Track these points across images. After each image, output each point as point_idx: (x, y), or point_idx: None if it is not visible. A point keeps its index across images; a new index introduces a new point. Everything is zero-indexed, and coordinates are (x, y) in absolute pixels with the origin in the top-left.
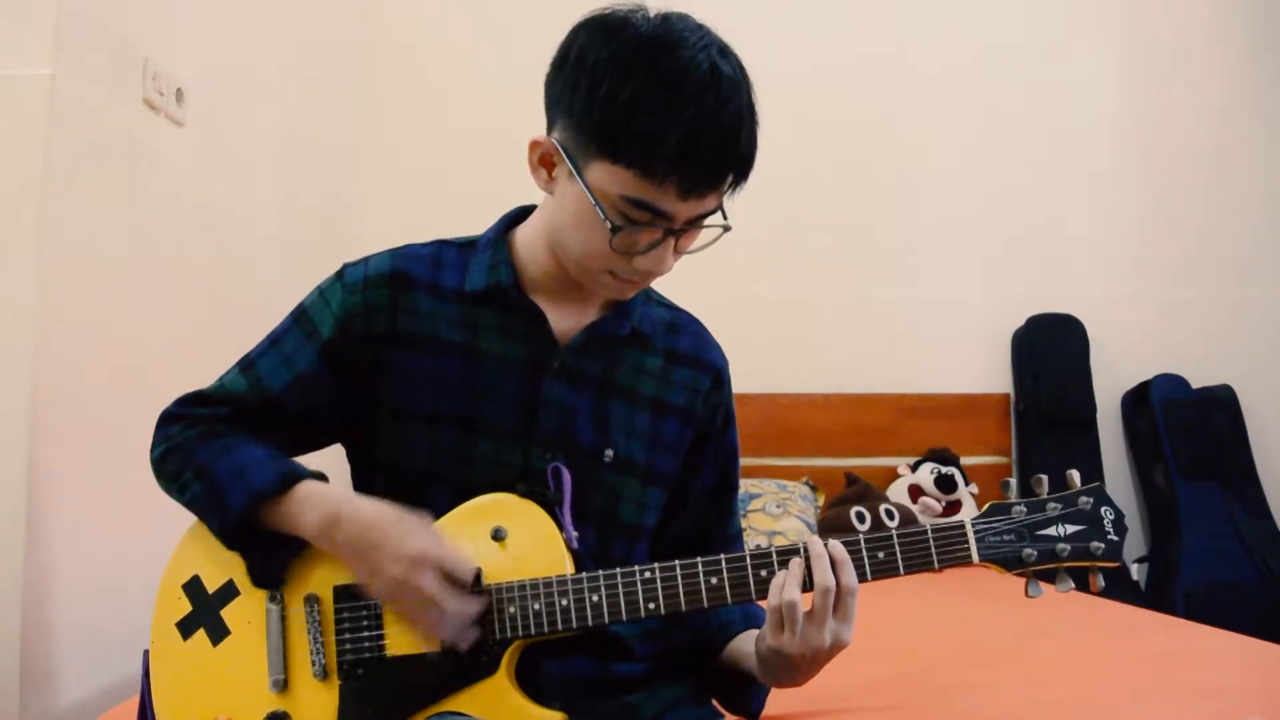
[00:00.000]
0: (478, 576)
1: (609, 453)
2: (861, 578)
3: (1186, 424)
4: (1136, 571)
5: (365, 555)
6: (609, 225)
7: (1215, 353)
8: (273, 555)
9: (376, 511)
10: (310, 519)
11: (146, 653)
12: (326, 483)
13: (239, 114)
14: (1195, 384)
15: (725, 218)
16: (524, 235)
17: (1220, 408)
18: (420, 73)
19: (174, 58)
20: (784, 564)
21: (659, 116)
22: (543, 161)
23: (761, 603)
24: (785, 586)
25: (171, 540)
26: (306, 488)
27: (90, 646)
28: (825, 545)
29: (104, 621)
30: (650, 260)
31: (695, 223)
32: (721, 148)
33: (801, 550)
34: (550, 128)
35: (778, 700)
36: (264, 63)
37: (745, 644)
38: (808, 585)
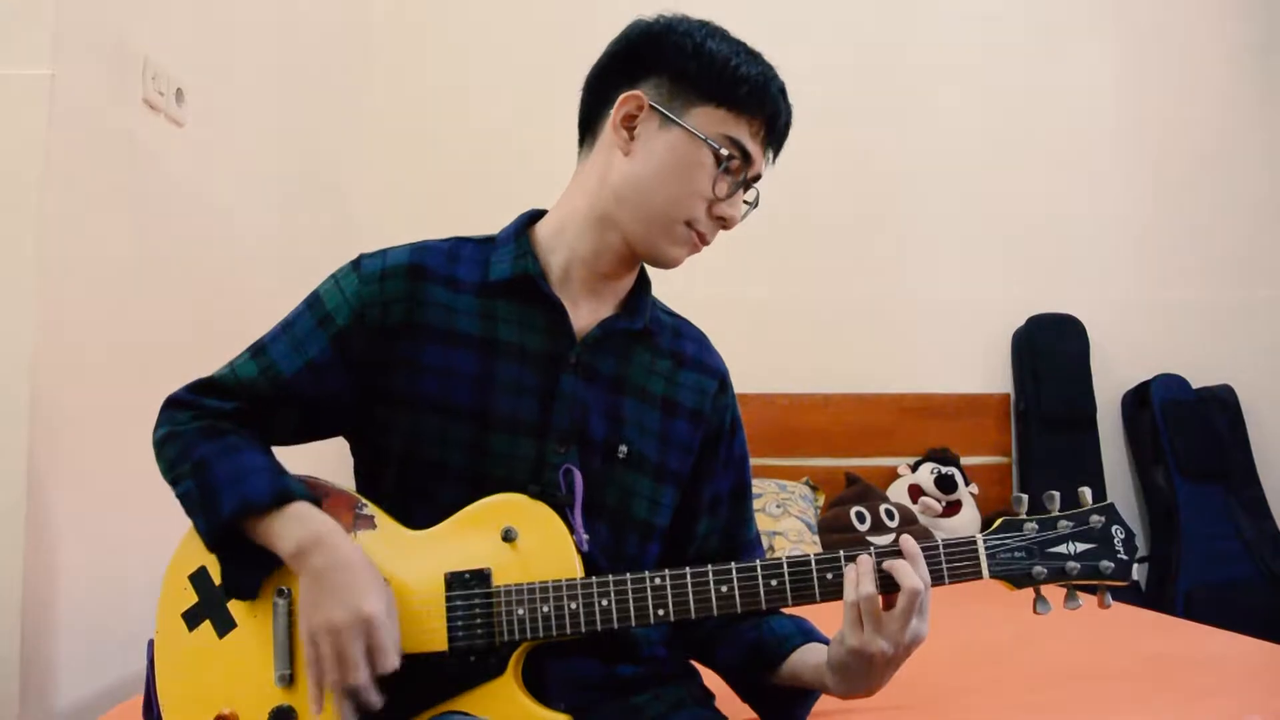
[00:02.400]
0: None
1: (623, 449)
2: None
3: (1187, 424)
4: (1137, 571)
5: (320, 589)
6: (723, 152)
7: (1216, 353)
8: (249, 568)
9: (352, 553)
10: (290, 538)
11: (151, 642)
12: (319, 508)
13: (239, 114)
14: (1195, 384)
15: (758, 194)
16: (545, 230)
17: (1220, 408)
18: (420, 72)
19: (173, 57)
20: (795, 573)
21: (759, 69)
22: (624, 121)
23: (819, 605)
24: (860, 582)
25: (171, 539)
26: (296, 508)
27: (90, 646)
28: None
29: (104, 621)
30: (729, 205)
31: (754, 181)
32: (790, 112)
33: (871, 553)
34: (630, 89)
35: None
36: (264, 63)
37: (808, 656)
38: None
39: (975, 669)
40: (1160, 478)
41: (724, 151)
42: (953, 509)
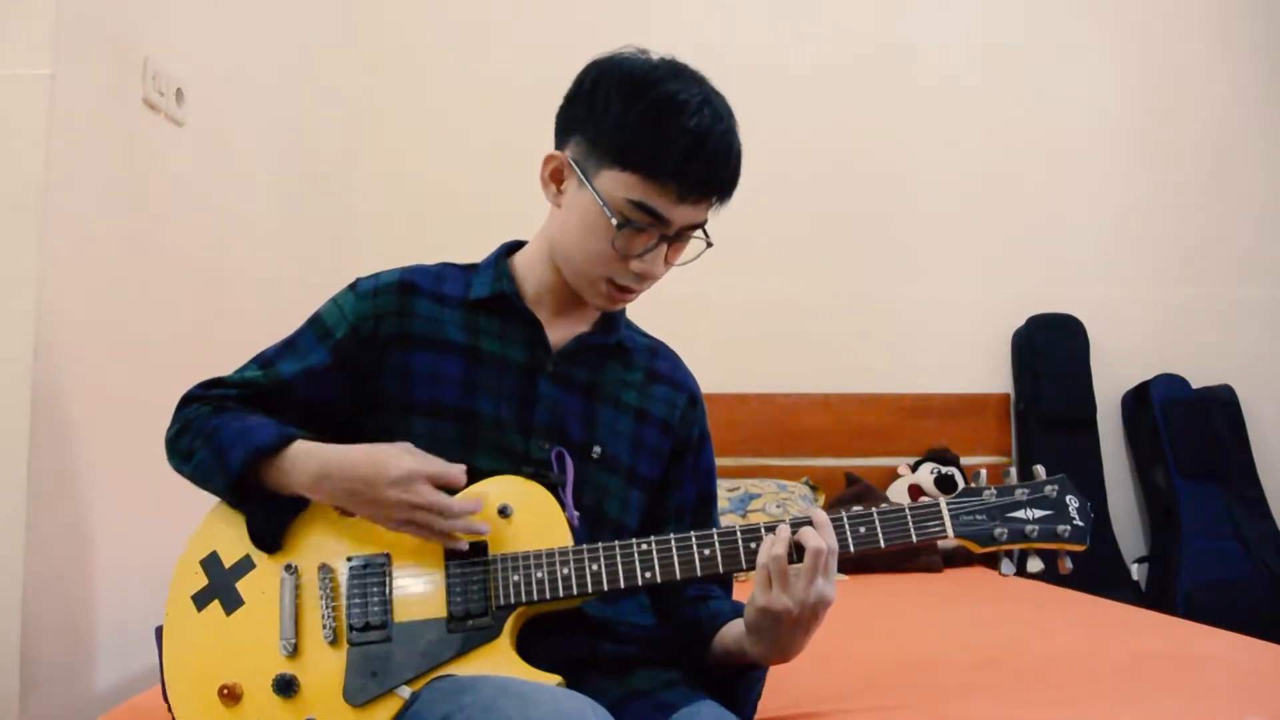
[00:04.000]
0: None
1: (597, 449)
2: (845, 550)
3: (1187, 424)
4: (1136, 571)
5: (359, 494)
6: (615, 221)
7: (1215, 353)
8: (273, 515)
9: (360, 453)
10: (304, 473)
11: (159, 629)
12: (323, 441)
13: (239, 114)
14: (1195, 384)
15: (707, 237)
16: (523, 258)
17: (1220, 408)
18: (420, 73)
19: (174, 57)
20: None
21: (666, 129)
22: (553, 176)
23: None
24: (773, 545)
25: (171, 539)
26: (301, 445)
27: (91, 646)
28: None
29: (105, 621)
30: (645, 263)
31: (685, 233)
32: (715, 161)
33: (788, 523)
34: (562, 146)
35: (776, 699)
36: (264, 63)
37: (735, 627)
38: (793, 554)
39: (975, 669)
40: (1160, 477)
41: (615, 220)
42: None
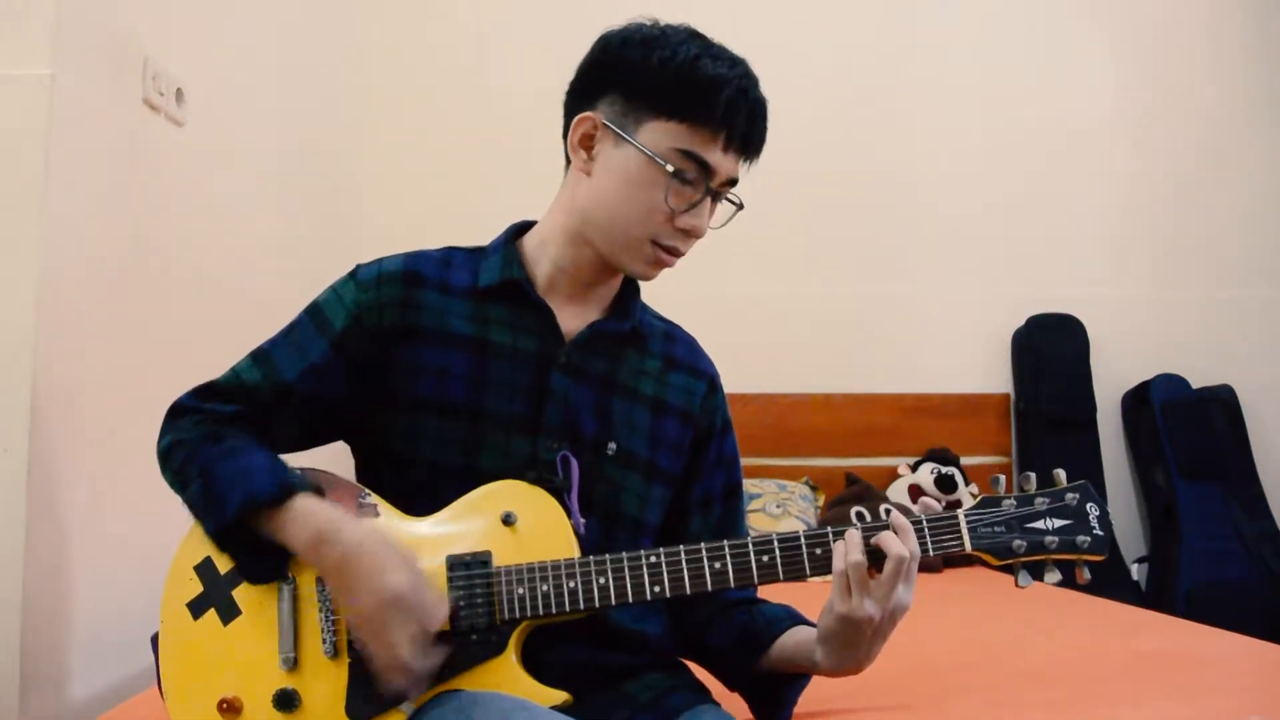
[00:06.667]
0: (454, 614)
1: (611, 446)
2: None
3: (1186, 424)
4: (1136, 571)
5: (344, 580)
6: (670, 169)
7: (1215, 353)
8: (264, 559)
9: (361, 536)
10: (300, 535)
11: (155, 636)
12: (322, 497)
13: (239, 114)
14: (1195, 384)
15: (738, 198)
16: (532, 240)
17: (1220, 408)
18: (420, 72)
19: (174, 58)
20: (786, 549)
21: (712, 77)
22: (583, 141)
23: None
24: (849, 551)
25: (172, 539)
26: (301, 502)
27: (90, 647)
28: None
29: (105, 621)
30: (692, 217)
31: (723, 189)
32: (756, 112)
33: (858, 524)
34: (590, 110)
35: None
36: (264, 63)
37: (798, 635)
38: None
39: (975, 669)
40: (1160, 477)
41: (670, 168)
42: (953, 509)
